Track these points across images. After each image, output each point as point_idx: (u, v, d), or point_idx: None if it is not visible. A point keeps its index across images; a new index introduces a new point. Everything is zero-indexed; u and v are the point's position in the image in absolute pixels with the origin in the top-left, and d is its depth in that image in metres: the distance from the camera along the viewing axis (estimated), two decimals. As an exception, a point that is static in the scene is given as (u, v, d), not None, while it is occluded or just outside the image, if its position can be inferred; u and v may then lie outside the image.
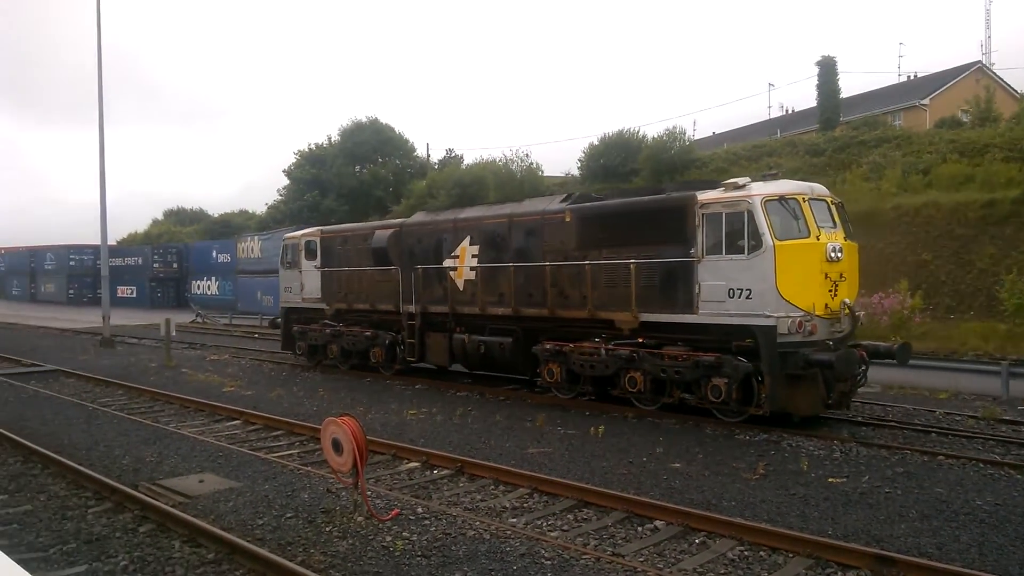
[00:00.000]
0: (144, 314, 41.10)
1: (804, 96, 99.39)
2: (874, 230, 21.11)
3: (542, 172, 44.24)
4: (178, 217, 74.55)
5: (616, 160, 39.37)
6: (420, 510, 7.75)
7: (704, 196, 11.77)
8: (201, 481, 8.91)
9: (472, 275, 15.42)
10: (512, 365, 15.00)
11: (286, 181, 53.90)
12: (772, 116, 54.97)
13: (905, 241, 22.38)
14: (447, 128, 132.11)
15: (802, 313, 10.95)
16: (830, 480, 8.93)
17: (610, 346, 12.84)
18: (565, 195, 14.96)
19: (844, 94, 40.06)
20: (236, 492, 8.45)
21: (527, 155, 44.30)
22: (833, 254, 11.14)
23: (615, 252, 13.01)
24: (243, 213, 65.65)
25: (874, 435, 11.21)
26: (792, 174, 21.50)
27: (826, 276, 11.19)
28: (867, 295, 17.66)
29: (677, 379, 12.01)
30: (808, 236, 11.07)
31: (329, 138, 54.56)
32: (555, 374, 13.90)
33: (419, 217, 18.19)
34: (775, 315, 10.84)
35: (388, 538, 6.95)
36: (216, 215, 69.97)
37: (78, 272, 53.71)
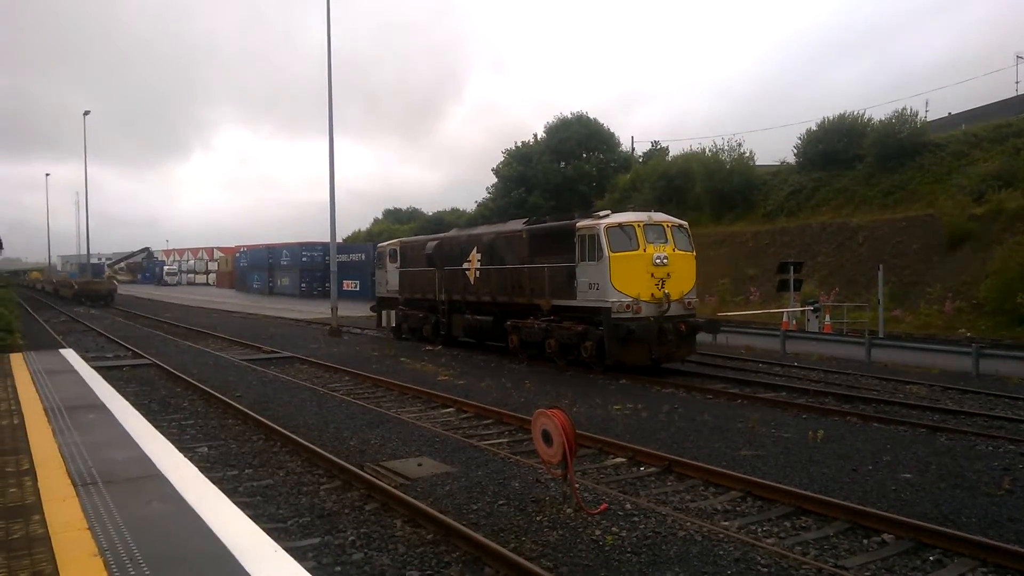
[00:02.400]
0: (367, 306, 44.11)
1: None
2: None
3: (754, 161, 42.40)
4: (395, 216, 79.40)
5: (837, 146, 36.99)
6: (628, 506, 7.69)
7: (580, 223, 17.30)
8: (419, 464, 9.39)
9: (477, 274, 21.21)
10: (495, 336, 20.77)
11: (491, 179, 55.70)
12: (1021, 92, 49.11)
13: None
14: (653, 121, 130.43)
15: (630, 299, 16.31)
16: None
17: (539, 322, 18.43)
18: (527, 219, 21.12)
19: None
20: (451, 477, 8.82)
21: (739, 144, 42.64)
22: (658, 260, 16.50)
23: (544, 259, 18.45)
24: (454, 211, 68.70)
25: None
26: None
27: (652, 275, 16.50)
28: None
29: (569, 343, 17.61)
30: (637, 249, 16.46)
31: (535, 136, 55.74)
32: (514, 341, 19.66)
33: (452, 233, 24.83)
34: (610, 300, 16.27)
35: (597, 532, 6.95)
36: (430, 213, 73.76)
37: (309, 267, 58.75)
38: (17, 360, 14.41)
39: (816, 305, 25.74)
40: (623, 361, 16.43)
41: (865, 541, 7.06)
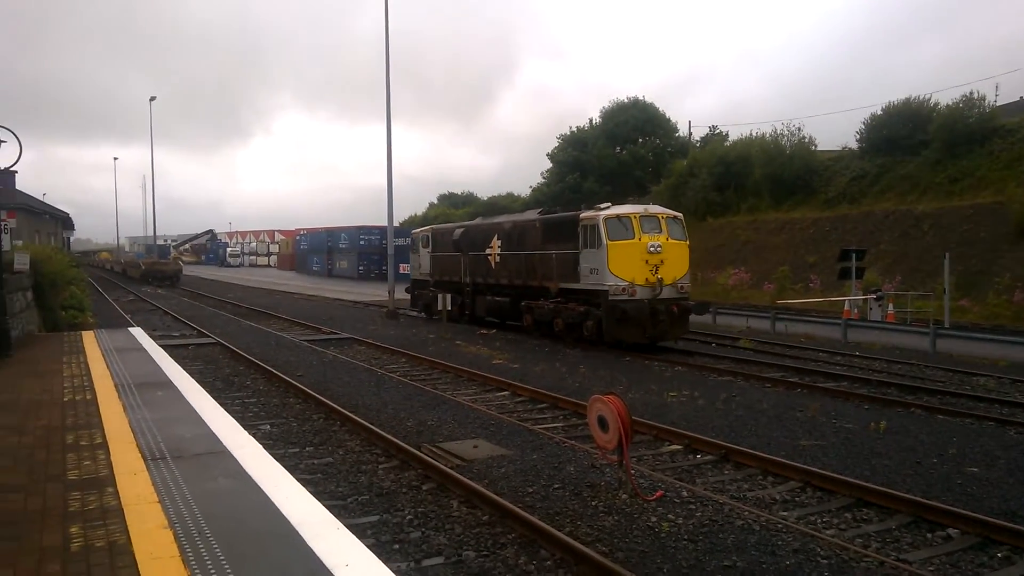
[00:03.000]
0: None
1: None
2: None
3: (815, 146, 41.34)
4: (451, 200, 79.81)
5: (902, 131, 35.85)
6: (685, 494, 7.65)
7: (583, 214, 19.09)
8: (475, 447, 9.48)
9: (497, 259, 22.99)
10: (512, 315, 22.54)
11: (545, 164, 55.52)
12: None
13: None
14: (708, 104, 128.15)
15: (626, 283, 17.90)
16: None
17: (548, 303, 20.19)
18: (540, 209, 23.61)
19: None
20: (507, 460, 8.88)
21: (799, 128, 41.65)
22: (652, 248, 18.03)
23: (553, 246, 20.19)
24: (509, 196, 68.75)
25: None
26: None
27: (647, 262, 18.02)
28: None
29: (573, 322, 19.36)
30: (633, 238, 18.04)
31: (591, 120, 55.35)
32: (528, 320, 21.59)
33: (476, 221, 26.89)
34: (608, 284, 17.97)
35: (653, 518, 6.93)
36: (484, 198, 73.93)
37: (367, 250, 59.46)
38: (89, 338, 14.94)
39: (879, 293, 25.11)
40: (620, 339, 18.11)
41: (929, 535, 6.90)
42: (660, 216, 18.76)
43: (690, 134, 55.07)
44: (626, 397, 12.29)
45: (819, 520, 7.32)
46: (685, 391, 13.40)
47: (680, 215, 19.51)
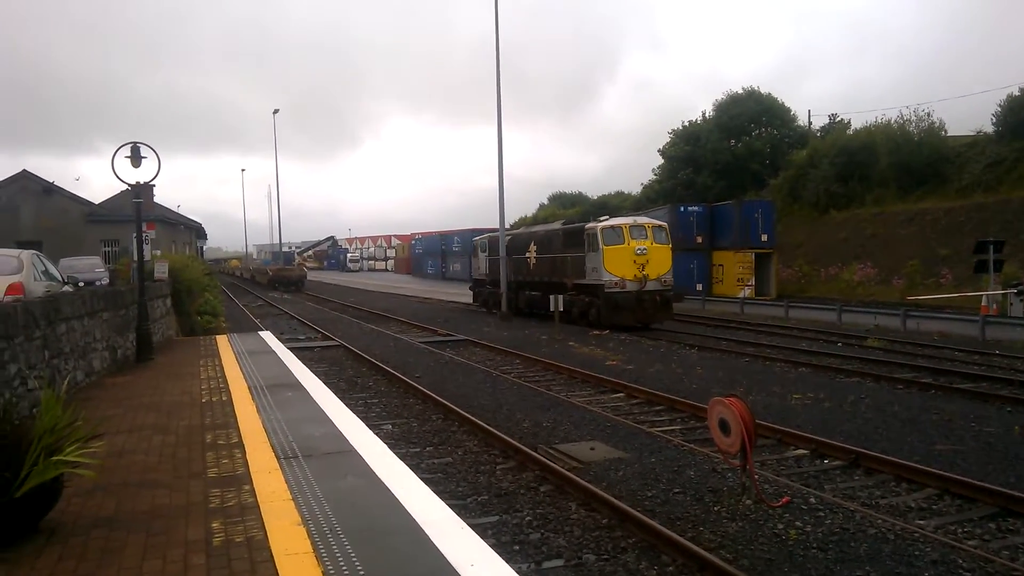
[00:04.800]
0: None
1: None
2: None
3: (945, 132, 38.94)
4: (560, 200, 79.74)
5: (1043, 113, 33.24)
6: (812, 500, 7.37)
7: (587, 226, 24.14)
8: (592, 449, 9.45)
9: (533, 261, 28.19)
10: (542, 307, 25.60)
11: (653, 160, 54.64)
12: None
13: None
14: (823, 90, 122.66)
15: (618, 279, 22.67)
16: None
17: (565, 295, 23.96)
18: (563, 220, 29.90)
19: None
20: (624, 462, 8.80)
21: (928, 113, 39.37)
22: (639, 251, 22.89)
23: (569, 250, 25.09)
24: (619, 194, 68.10)
25: None
26: None
27: (635, 262, 22.81)
28: None
29: (582, 310, 24.15)
30: (623, 243, 22.98)
31: (703, 114, 54.16)
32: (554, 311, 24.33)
33: (520, 230, 33.86)
34: (604, 279, 22.78)
35: (780, 525, 6.71)
36: (594, 197, 73.53)
37: (480, 253, 60.21)
38: (223, 341, 15.80)
39: (1021, 287, 23.42)
40: (615, 323, 22.80)
41: (1087, 550, 6.39)
42: (647, 225, 24.02)
43: (809, 123, 53.00)
44: (747, 399, 11.97)
45: (959, 530, 6.90)
46: (810, 393, 12.91)
47: (664, 224, 24.98)
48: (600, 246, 22.95)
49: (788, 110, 52.96)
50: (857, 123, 50.75)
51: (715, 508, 7.22)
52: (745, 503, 7.26)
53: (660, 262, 23.25)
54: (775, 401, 12.40)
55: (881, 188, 39.24)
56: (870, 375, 14.47)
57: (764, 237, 35.28)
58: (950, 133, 39.27)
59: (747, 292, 34.25)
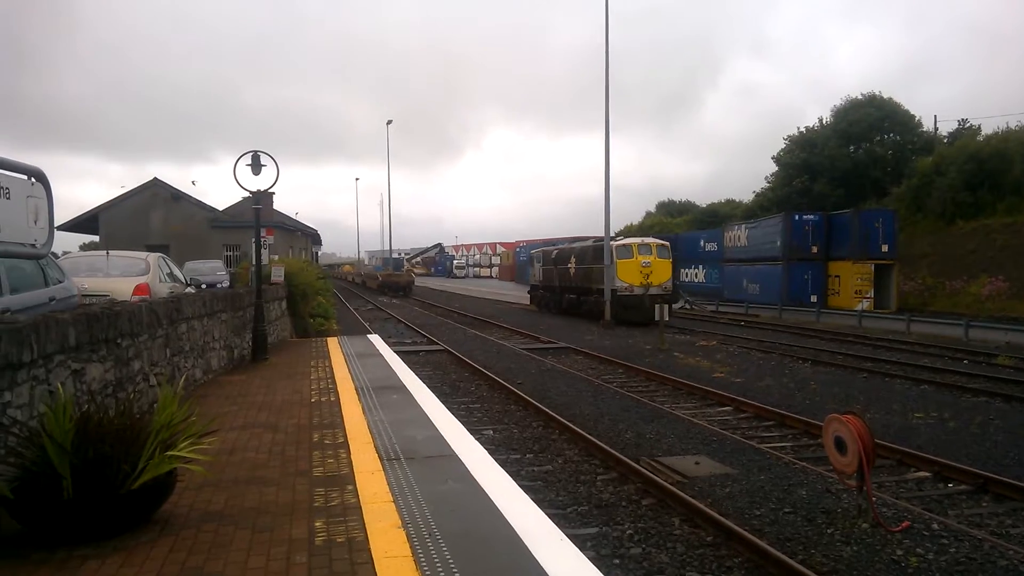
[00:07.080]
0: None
1: None
2: None
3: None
4: (667, 209, 78.58)
5: None
6: (935, 526, 6.90)
7: (610, 243, 29.28)
8: (697, 463, 9.17)
9: (572, 271, 33.39)
10: (577, 308, 32.64)
11: (763, 167, 53.03)
12: None
13: None
14: (945, 94, 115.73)
15: (627, 285, 28.97)
16: None
17: (591, 298, 30.69)
18: (594, 238, 34.76)
19: None
20: (731, 479, 8.50)
21: (1068, 118, 36.58)
22: (644, 264, 29.06)
23: (596, 262, 30.30)
24: (729, 202, 66.44)
25: None
26: None
27: (641, 272, 29.00)
28: None
29: (602, 309, 29.00)
30: (632, 258, 29.34)
31: (820, 120, 52.25)
32: (583, 310, 31.61)
33: (564, 245, 38.85)
34: (616, 285, 28.87)
35: (899, 551, 6.31)
36: (703, 205, 72.08)
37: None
38: (333, 344, 16.26)
39: None
40: (625, 319, 28.37)
41: None
42: (652, 244, 30.43)
43: (935, 129, 50.26)
44: (864, 417, 11.38)
45: (1107, 568, 6.30)
46: (933, 412, 12.16)
47: (667, 243, 31.47)
48: (614, 260, 28.86)
49: (912, 116, 50.43)
50: (987, 129, 47.63)
51: (828, 530, 6.86)
52: (861, 526, 6.86)
53: (661, 273, 29.48)
54: (895, 420, 11.73)
55: (1015, 197, 36.76)
56: (1000, 395, 13.51)
57: (884, 247, 33.67)
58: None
59: (865, 305, 32.73)
